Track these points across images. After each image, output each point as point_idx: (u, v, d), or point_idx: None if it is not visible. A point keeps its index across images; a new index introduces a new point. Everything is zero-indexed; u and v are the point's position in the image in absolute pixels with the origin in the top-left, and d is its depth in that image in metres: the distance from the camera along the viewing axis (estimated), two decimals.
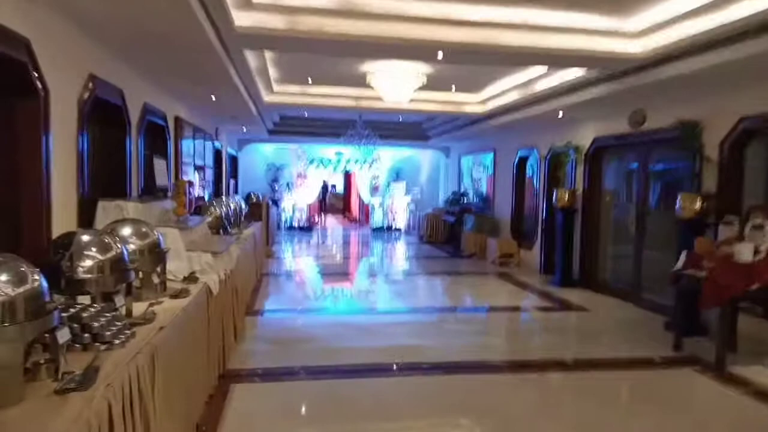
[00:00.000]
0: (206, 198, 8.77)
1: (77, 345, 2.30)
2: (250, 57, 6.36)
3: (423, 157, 17.48)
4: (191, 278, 3.87)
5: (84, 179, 3.98)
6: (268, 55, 7.08)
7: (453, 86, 8.80)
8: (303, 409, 3.92)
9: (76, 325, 2.31)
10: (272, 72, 8.01)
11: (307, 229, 16.79)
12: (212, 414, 3.57)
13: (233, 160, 14.30)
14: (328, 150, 16.97)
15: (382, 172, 18.09)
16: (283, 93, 9.18)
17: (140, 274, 3.31)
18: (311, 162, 17.27)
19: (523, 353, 5.22)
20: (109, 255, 2.73)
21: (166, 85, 6.25)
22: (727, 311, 4.90)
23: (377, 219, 17.64)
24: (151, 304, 3.07)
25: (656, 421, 3.80)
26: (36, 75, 3.15)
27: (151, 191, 5.26)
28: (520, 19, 5.03)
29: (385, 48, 5.32)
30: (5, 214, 3.19)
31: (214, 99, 7.46)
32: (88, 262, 2.65)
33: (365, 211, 19.12)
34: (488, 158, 12.55)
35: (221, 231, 6.00)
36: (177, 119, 7.10)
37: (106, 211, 4.04)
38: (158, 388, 2.50)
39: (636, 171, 7.66)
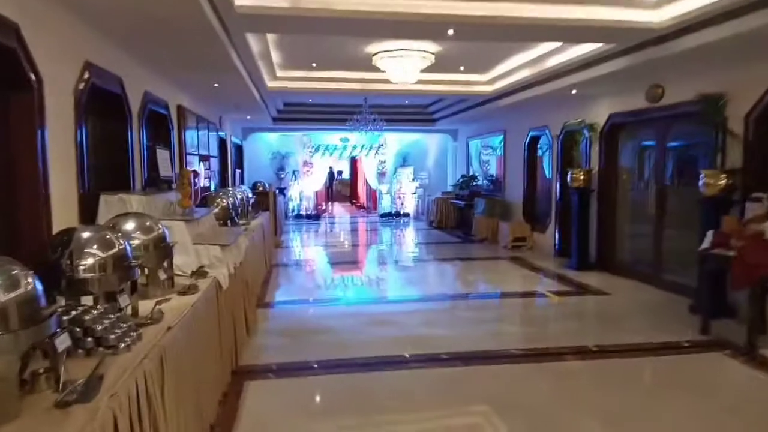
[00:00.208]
0: (212, 189, 8.61)
1: (80, 350, 2.15)
2: (253, 41, 6.14)
3: (430, 141, 17.22)
4: (200, 273, 3.71)
5: (84, 172, 3.81)
6: (271, 38, 6.86)
7: (461, 67, 8.54)
8: (320, 405, 3.77)
9: (78, 329, 2.16)
10: (275, 56, 7.79)
11: (315, 217, 16.63)
12: (226, 414, 3.43)
13: (238, 150, 14.12)
14: (333, 137, 16.75)
15: (389, 157, 17.86)
16: (286, 78, 8.96)
17: (146, 271, 3.15)
18: (317, 149, 17.06)
19: (543, 340, 5.04)
20: (112, 252, 2.56)
21: (167, 73, 6.05)
22: (757, 292, 4.70)
23: (385, 205, 17.45)
24: (159, 303, 2.91)
25: (686, 408, 3.62)
26: (28, 63, 2.96)
27: (155, 183, 5.09)
28: None
29: (393, 25, 5.09)
30: (2, 211, 3.02)
31: (216, 86, 7.25)
32: (90, 261, 2.48)
33: (373, 197, 18.92)
34: (498, 140, 12.29)
35: (229, 222, 5.84)
36: (180, 108, 6.91)
37: (108, 205, 3.87)
38: (168, 393, 2.34)
39: (654, 148, 7.41)
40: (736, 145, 5.72)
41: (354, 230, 15.18)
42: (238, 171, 13.31)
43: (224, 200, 6.07)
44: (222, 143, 10.69)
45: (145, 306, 2.78)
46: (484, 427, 3.43)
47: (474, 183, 12.87)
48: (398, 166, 17.62)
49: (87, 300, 2.49)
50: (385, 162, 17.86)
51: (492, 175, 12.78)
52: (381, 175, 17.86)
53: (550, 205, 9.86)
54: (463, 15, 4.84)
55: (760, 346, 4.59)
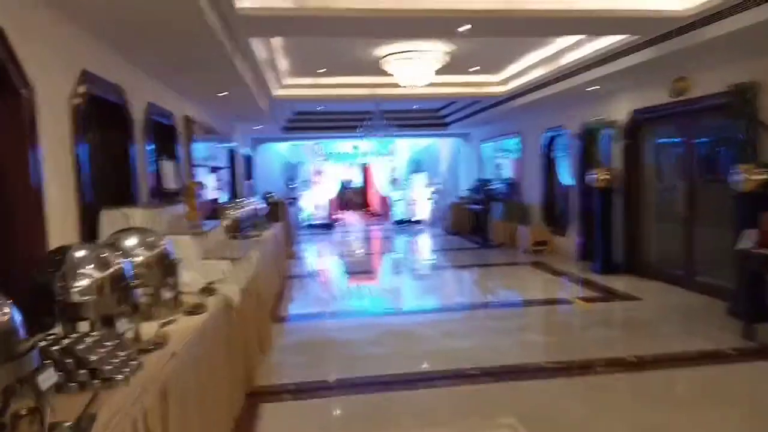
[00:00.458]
0: (223, 200, 8.42)
1: (72, 384, 1.91)
2: (258, 47, 5.94)
3: (442, 146, 16.96)
4: (208, 290, 3.47)
5: (84, 186, 3.60)
6: (277, 44, 6.68)
7: (474, 67, 8.29)
8: (340, 429, 3.51)
9: (69, 361, 1.92)
10: (282, 63, 7.61)
11: (328, 226, 16.41)
12: None
13: (248, 160, 13.96)
14: (344, 144, 16.56)
15: (401, 163, 17.61)
16: (294, 86, 8.77)
17: (149, 290, 2.92)
18: (328, 157, 16.88)
19: (573, 351, 4.72)
20: (109, 272, 2.33)
21: (171, 83, 5.86)
22: None
23: (399, 212, 17.19)
24: (163, 324, 2.67)
25: (734, 426, 3.31)
26: (15, 70, 2.76)
27: (160, 196, 4.89)
28: None
29: (405, 23, 4.86)
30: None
31: (223, 96, 7.06)
32: (84, 282, 2.25)
33: (385, 204, 18.69)
34: (512, 142, 12.00)
35: (239, 235, 5.62)
36: (186, 119, 6.72)
37: (110, 220, 3.65)
38: (172, 428, 2.10)
39: (680, 144, 7.08)
40: None
41: (368, 238, 14.93)
42: (248, 182, 13.14)
43: (235, 212, 5.86)
44: (232, 154, 10.52)
45: (149, 329, 2.55)
46: None
47: (489, 187, 12.56)
48: (411, 172, 17.37)
49: (83, 326, 2.28)
50: (397, 168, 17.62)
51: (507, 178, 12.48)
52: (394, 181, 17.63)
53: (570, 206, 9.53)
54: (479, 9, 4.60)
55: None
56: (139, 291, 2.60)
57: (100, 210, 3.65)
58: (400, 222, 16.77)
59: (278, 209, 10.29)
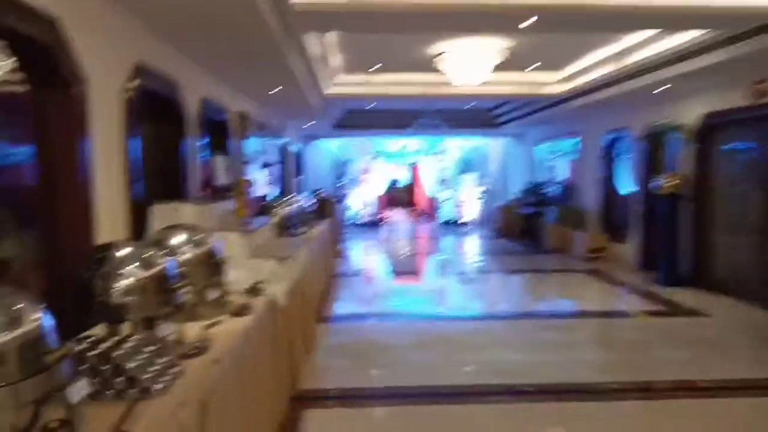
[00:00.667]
0: (272, 197, 8.40)
1: (108, 392, 1.80)
2: (311, 43, 5.83)
3: (493, 146, 16.52)
4: (254, 290, 3.36)
5: (135, 181, 3.56)
6: (330, 41, 6.55)
7: (533, 65, 7.94)
8: None
9: (106, 367, 1.81)
10: (334, 61, 7.49)
11: (374, 224, 16.30)
12: None
13: (299, 157, 14.00)
14: (394, 143, 16.41)
15: (450, 163, 17.29)
16: (346, 84, 8.64)
17: (194, 290, 2.83)
18: (377, 156, 16.77)
19: (637, 371, 4.36)
20: (152, 272, 2.22)
21: (224, 78, 5.83)
22: None
23: (446, 212, 16.88)
24: (207, 326, 2.56)
25: None
26: (68, 61, 2.70)
27: (211, 192, 4.84)
28: None
29: (465, 17, 4.62)
30: (42, 222, 2.77)
31: (275, 92, 7.00)
32: (126, 282, 2.15)
33: (433, 204, 18.41)
34: (569, 143, 11.51)
35: (288, 232, 5.53)
36: (239, 115, 6.70)
37: (160, 215, 3.59)
38: None
39: (756, 149, 6.52)
40: None
41: (415, 238, 14.71)
42: (298, 178, 13.17)
43: (283, 209, 5.78)
44: (283, 150, 10.53)
45: (192, 330, 2.44)
46: None
47: (543, 190, 12.10)
48: (460, 172, 17.03)
49: (124, 328, 2.18)
50: (446, 168, 17.31)
51: (562, 181, 11.99)
52: (442, 181, 17.33)
53: (630, 213, 9.01)
54: (546, 4, 4.30)
55: None
56: (184, 291, 2.49)
57: (150, 205, 3.60)
58: (447, 223, 16.47)
59: (326, 206, 10.21)
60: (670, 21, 5.04)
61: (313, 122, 11.50)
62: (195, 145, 4.89)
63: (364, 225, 16.12)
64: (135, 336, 2.04)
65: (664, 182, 7.39)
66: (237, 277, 3.41)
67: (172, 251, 2.70)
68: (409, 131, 11.78)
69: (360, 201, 16.65)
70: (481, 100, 10.76)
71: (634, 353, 4.93)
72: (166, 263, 2.31)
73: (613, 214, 9.76)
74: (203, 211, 3.80)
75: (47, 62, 2.60)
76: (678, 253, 7.47)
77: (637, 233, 8.76)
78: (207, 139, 5.24)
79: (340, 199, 14.31)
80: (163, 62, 4.06)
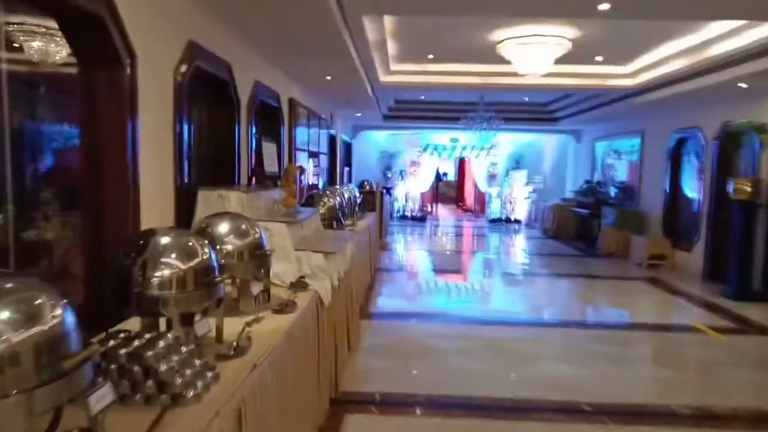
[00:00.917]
0: (320, 187, 8.27)
1: (138, 396, 1.64)
2: (369, 28, 5.60)
3: (546, 143, 15.92)
4: (299, 284, 3.18)
5: (184, 164, 3.43)
6: (388, 26, 6.30)
7: (599, 57, 7.46)
8: None
9: (136, 369, 1.65)
10: (391, 47, 7.23)
11: (420, 219, 16.03)
12: None
13: (347, 147, 13.88)
14: (443, 136, 16.05)
15: (501, 158, 16.79)
16: (400, 72, 8.39)
17: (237, 283, 2.67)
18: (425, 149, 16.45)
19: (711, 395, 3.96)
20: (193, 263, 2.05)
21: (279, 63, 5.69)
22: None
23: (494, 210, 16.42)
24: (248, 324, 2.38)
25: None
26: (119, 35, 2.57)
27: (260, 179, 4.71)
28: None
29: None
30: (87, 203, 2.66)
31: (329, 79, 6.84)
32: (165, 273, 1.98)
33: (481, 200, 17.96)
34: (631, 142, 10.89)
35: (335, 223, 5.35)
36: (291, 101, 6.57)
37: (206, 201, 3.48)
38: None
39: None
40: None
41: (462, 235, 14.36)
42: (346, 169, 13.04)
43: (331, 200, 5.59)
44: (332, 140, 10.40)
45: (233, 326, 2.26)
46: None
47: (601, 190, 11.52)
48: (510, 169, 16.51)
49: (160, 323, 2.03)
50: (496, 164, 16.82)
51: (621, 182, 11.37)
52: (491, 177, 16.85)
53: (697, 219, 8.41)
54: None
55: None
56: (226, 284, 2.32)
57: (197, 190, 3.48)
58: (495, 220, 16.02)
59: (373, 198, 10.02)
60: (757, 10, 4.53)
61: (364, 113, 11.31)
62: (246, 129, 4.76)
63: (409, 218, 15.88)
64: (171, 333, 1.87)
65: (738, 187, 6.81)
66: (282, 270, 3.24)
67: (216, 241, 2.55)
68: (460, 124, 11.40)
69: (406, 194, 16.40)
70: (540, 92, 10.27)
71: (705, 374, 4.50)
72: (208, 254, 2.14)
73: (678, 220, 9.15)
74: (250, 199, 3.64)
75: (96, 36, 2.47)
76: (752, 265, 6.89)
77: (704, 241, 8.16)
78: (258, 125, 5.11)
79: (387, 191, 14.10)
80: (216, 42, 3.92)
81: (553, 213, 13.17)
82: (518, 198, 16.04)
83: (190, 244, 2.13)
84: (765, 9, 4.40)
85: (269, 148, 4.88)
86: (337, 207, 5.63)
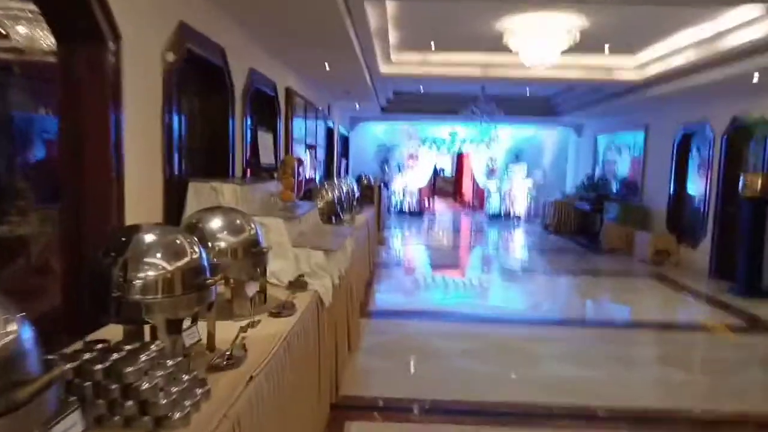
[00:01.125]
0: (317, 180, 8.05)
1: (116, 417, 1.42)
2: (371, 13, 5.36)
3: (546, 137, 15.71)
4: (298, 284, 2.97)
5: (174, 154, 3.21)
6: (391, 13, 6.06)
7: (606, 48, 7.24)
8: None
9: (115, 386, 1.43)
10: (392, 36, 6.99)
11: (418, 213, 15.81)
12: None
13: (344, 140, 13.63)
14: (441, 129, 15.81)
15: (500, 153, 16.57)
16: (401, 63, 8.14)
17: (230, 284, 2.45)
18: (423, 142, 16.20)
19: (730, 398, 3.77)
20: (181, 263, 1.83)
21: (275, 50, 5.45)
22: None
23: (493, 205, 16.21)
24: (243, 329, 2.16)
25: None
26: (103, 14, 2.33)
27: (255, 171, 4.48)
28: None
29: None
30: (67, 195, 2.44)
31: (328, 69, 6.60)
32: (149, 274, 1.76)
33: (479, 195, 17.75)
34: (634, 136, 10.69)
35: (333, 218, 5.13)
36: (288, 90, 6.33)
37: (198, 194, 3.25)
38: None
39: None
40: None
41: (461, 230, 14.16)
42: (343, 162, 12.81)
43: (330, 193, 5.37)
44: (329, 132, 10.16)
45: (226, 331, 2.05)
46: None
47: (603, 184, 11.33)
48: (510, 163, 16.30)
49: (145, 331, 1.82)
50: (495, 158, 16.60)
51: (624, 177, 11.18)
52: (491, 172, 16.63)
53: (704, 215, 8.23)
54: None
55: None
56: (218, 287, 2.10)
57: (188, 182, 3.25)
58: (494, 215, 15.82)
59: (371, 192, 9.80)
60: None
61: (362, 104, 11.07)
62: (241, 119, 4.53)
63: (407, 213, 15.66)
64: (155, 344, 1.66)
65: (748, 183, 6.62)
66: (279, 268, 3.03)
67: (207, 238, 2.33)
68: (460, 117, 11.18)
69: (404, 188, 16.18)
70: (544, 85, 10.05)
71: (721, 376, 4.30)
72: (198, 253, 1.92)
73: (684, 215, 8.98)
74: (245, 192, 3.42)
75: (76, 10, 2.24)
76: (760, 262, 6.71)
77: (710, 237, 7.99)
78: (254, 115, 4.88)
79: (385, 185, 13.87)
80: (209, 25, 3.68)
81: (554, 208, 12.97)
82: (518, 193, 15.84)
83: (178, 241, 1.90)
84: None
85: (265, 139, 4.65)
86: (336, 201, 5.42)
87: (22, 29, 3.68)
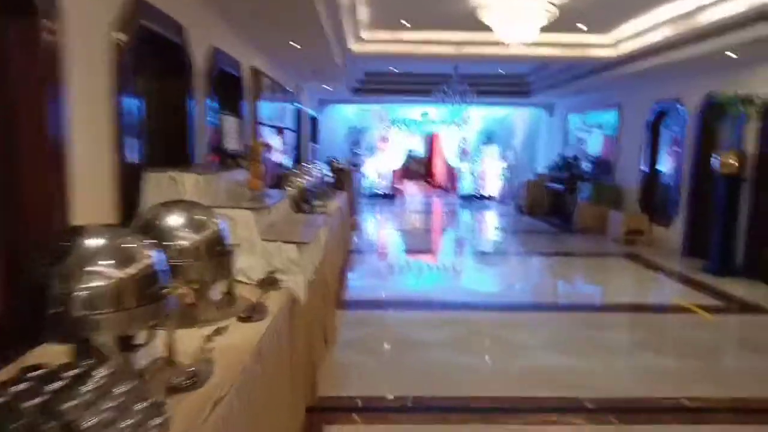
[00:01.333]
0: (287, 166, 7.74)
1: None
2: None
3: (518, 117, 15.64)
4: (269, 282, 2.73)
5: (126, 143, 2.91)
6: None
7: (581, 25, 7.11)
8: None
9: (53, 425, 1.20)
10: (362, 13, 6.70)
11: (390, 196, 15.61)
12: None
13: (314, 122, 13.26)
14: (413, 110, 15.57)
15: (472, 134, 16.45)
16: (372, 41, 7.86)
17: (193, 286, 2.20)
18: (394, 124, 15.95)
19: (720, 384, 3.70)
20: (133, 269, 1.58)
21: (239, 27, 5.11)
22: None
23: (466, 186, 16.13)
24: (208, 338, 1.93)
25: None
26: None
27: (221, 159, 4.19)
28: None
29: None
30: (2, 198, 2.14)
31: (295, 46, 6.27)
32: (95, 285, 1.51)
33: (451, 177, 17.65)
34: (606, 115, 10.66)
35: (305, 206, 4.88)
36: (254, 70, 6.00)
37: (156, 186, 2.95)
38: None
39: None
40: None
41: (435, 213, 14.04)
42: (313, 145, 12.48)
43: (300, 180, 5.11)
44: (298, 114, 9.82)
45: (189, 340, 1.81)
46: None
47: (576, 164, 11.31)
48: (481, 144, 16.20)
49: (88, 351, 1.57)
50: (467, 139, 16.48)
51: (595, 156, 11.18)
52: (463, 153, 16.52)
53: (676, 193, 8.26)
54: None
55: None
56: (177, 294, 1.85)
57: (144, 173, 2.96)
58: (467, 196, 15.74)
59: (343, 177, 9.53)
60: None
61: (332, 85, 10.73)
62: (203, 102, 4.22)
63: (379, 196, 15.45)
64: (103, 367, 1.42)
65: (725, 161, 6.62)
66: (248, 265, 2.78)
67: (165, 237, 2.08)
68: (432, 98, 10.97)
69: (376, 171, 15.94)
70: (517, 64, 9.90)
71: (707, 360, 4.20)
72: (152, 257, 1.67)
73: (656, 194, 9.01)
74: (208, 181, 3.15)
75: None
76: (734, 241, 6.75)
77: (683, 216, 8.02)
78: (217, 97, 4.57)
79: (356, 168, 13.60)
80: (165, 0, 3.35)
81: (527, 189, 12.94)
82: (490, 174, 15.78)
83: (129, 244, 1.65)
84: None
85: (230, 122, 4.36)
86: (308, 188, 5.17)
87: None
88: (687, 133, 7.96)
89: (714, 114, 7.22)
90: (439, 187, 19.22)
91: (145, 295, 1.58)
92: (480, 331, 4.70)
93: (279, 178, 5.05)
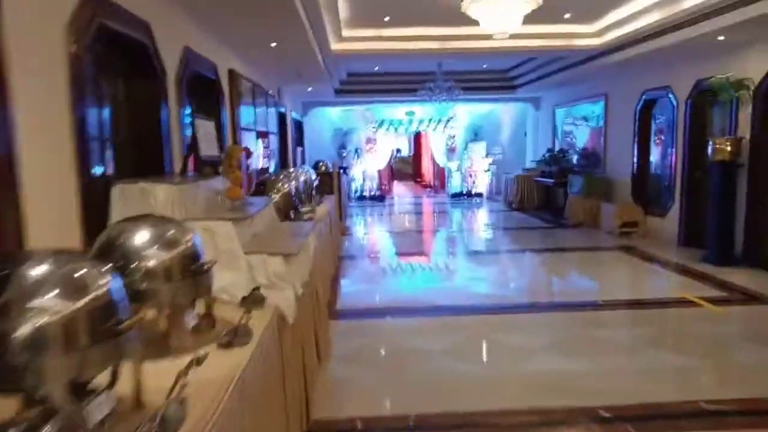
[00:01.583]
0: (271, 170, 7.49)
1: None
2: None
3: (504, 113, 15.51)
4: (254, 299, 2.48)
5: (92, 153, 2.65)
6: None
7: (567, 14, 6.94)
8: None
9: None
10: (342, 9, 6.47)
11: (379, 198, 15.39)
12: None
13: (298, 126, 13.00)
14: (398, 110, 15.36)
15: (459, 131, 16.28)
16: (353, 38, 7.64)
17: (164, 312, 1.95)
18: (380, 124, 15.73)
19: (739, 383, 3.51)
20: (85, 301, 1.33)
21: (213, 24, 4.83)
22: None
23: (455, 184, 15.95)
24: (182, 372, 1.67)
25: None
26: None
27: (197, 167, 3.93)
28: None
29: None
30: None
31: (275, 46, 6.01)
32: (38, 323, 1.26)
33: (440, 175, 17.46)
34: (594, 107, 10.52)
35: (292, 213, 4.64)
36: (231, 73, 5.73)
37: (125, 199, 2.70)
38: None
39: None
40: None
41: (425, 213, 13.82)
42: (299, 149, 12.21)
43: (286, 185, 4.87)
44: (281, 118, 9.55)
45: (161, 375, 1.56)
46: None
47: (565, 158, 11.16)
48: (469, 141, 16.03)
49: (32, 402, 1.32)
50: (454, 137, 16.30)
51: (583, 148, 11.04)
52: (450, 151, 16.33)
53: (670, 183, 8.12)
54: None
55: None
56: (135, 336, 1.60)
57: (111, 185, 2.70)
58: (456, 195, 15.56)
59: (330, 180, 9.28)
60: None
61: (314, 87, 10.47)
62: (176, 107, 3.95)
63: (368, 198, 15.22)
64: (49, 426, 1.17)
65: (717, 147, 6.48)
66: (230, 282, 2.54)
67: (131, 258, 1.83)
68: (418, 96, 10.76)
69: (363, 173, 15.70)
70: (502, 57, 9.72)
71: (721, 358, 3.98)
72: (107, 285, 1.42)
73: (649, 185, 8.87)
74: (183, 192, 2.89)
75: None
76: (732, 229, 6.61)
77: (679, 205, 7.88)
78: (192, 101, 4.31)
79: (343, 170, 13.35)
80: None
81: (516, 184, 12.79)
82: (479, 171, 15.61)
83: (81, 271, 1.40)
84: None
85: (206, 127, 4.10)
86: (294, 193, 4.92)
87: None
88: (678, 121, 7.82)
89: (704, 100, 7.08)
90: (428, 186, 19.03)
91: (100, 331, 1.33)
92: (480, 336, 4.49)
93: (263, 185, 4.80)
